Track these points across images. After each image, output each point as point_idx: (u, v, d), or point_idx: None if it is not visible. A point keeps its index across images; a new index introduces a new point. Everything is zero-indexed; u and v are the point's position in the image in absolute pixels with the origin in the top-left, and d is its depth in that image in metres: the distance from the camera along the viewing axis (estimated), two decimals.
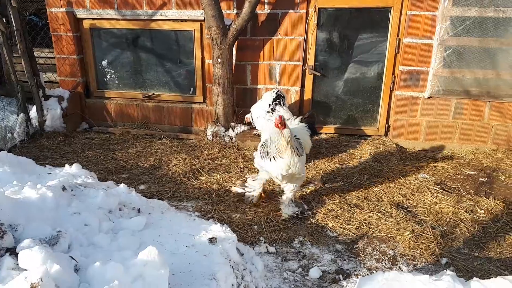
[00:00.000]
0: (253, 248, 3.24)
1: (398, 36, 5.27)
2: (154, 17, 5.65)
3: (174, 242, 2.70)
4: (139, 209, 3.06)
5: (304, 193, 4.18)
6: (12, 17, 5.22)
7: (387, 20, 5.27)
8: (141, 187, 4.30)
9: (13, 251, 2.02)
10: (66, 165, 3.87)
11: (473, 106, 5.31)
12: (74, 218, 2.56)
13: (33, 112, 5.72)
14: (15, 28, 5.26)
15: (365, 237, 3.46)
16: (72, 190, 3.02)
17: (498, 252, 3.30)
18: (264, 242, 3.35)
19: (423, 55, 5.23)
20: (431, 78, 5.24)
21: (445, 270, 2.60)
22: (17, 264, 1.94)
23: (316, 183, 4.40)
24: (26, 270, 1.87)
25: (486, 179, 4.61)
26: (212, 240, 2.73)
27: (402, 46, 5.26)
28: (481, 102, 5.27)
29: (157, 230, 2.83)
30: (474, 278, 2.21)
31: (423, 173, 4.69)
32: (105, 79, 6.20)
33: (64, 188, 2.93)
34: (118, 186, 3.44)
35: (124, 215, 2.92)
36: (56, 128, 5.77)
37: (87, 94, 6.25)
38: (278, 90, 4.96)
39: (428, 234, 3.46)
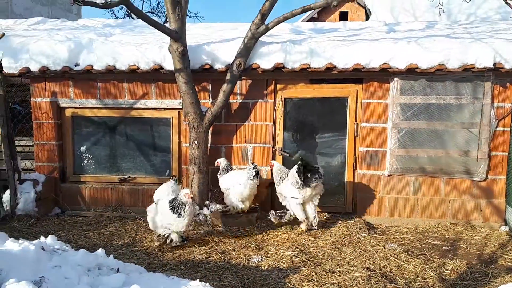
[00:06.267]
0: None
1: (356, 121, 5.91)
2: (135, 106, 6.10)
3: None
4: (118, 269, 3.08)
5: (280, 263, 4.26)
6: None
7: (346, 107, 5.95)
8: None
9: None
10: (41, 237, 3.85)
11: (430, 182, 5.78)
12: (55, 270, 2.59)
13: (6, 196, 5.71)
14: None
15: None
16: (52, 251, 3.04)
17: None
18: None
19: (380, 137, 5.83)
20: (389, 158, 5.78)
21: None
22: None
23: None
24: None
25: (449, 247, 4.87)
26: None
27: (361, 130, 5.87)
28: (437, 179, 5.77)
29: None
30: None
31: (391, 243, 4.91)
32: (82, 164, 6.37)
33: (43, 249, 2.96)
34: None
35: (103, 273, 2.93)
36: (28, 211, 5.71)
37: (63, 178, 6.34)
38: (256, 166, 5.31)
39: None
